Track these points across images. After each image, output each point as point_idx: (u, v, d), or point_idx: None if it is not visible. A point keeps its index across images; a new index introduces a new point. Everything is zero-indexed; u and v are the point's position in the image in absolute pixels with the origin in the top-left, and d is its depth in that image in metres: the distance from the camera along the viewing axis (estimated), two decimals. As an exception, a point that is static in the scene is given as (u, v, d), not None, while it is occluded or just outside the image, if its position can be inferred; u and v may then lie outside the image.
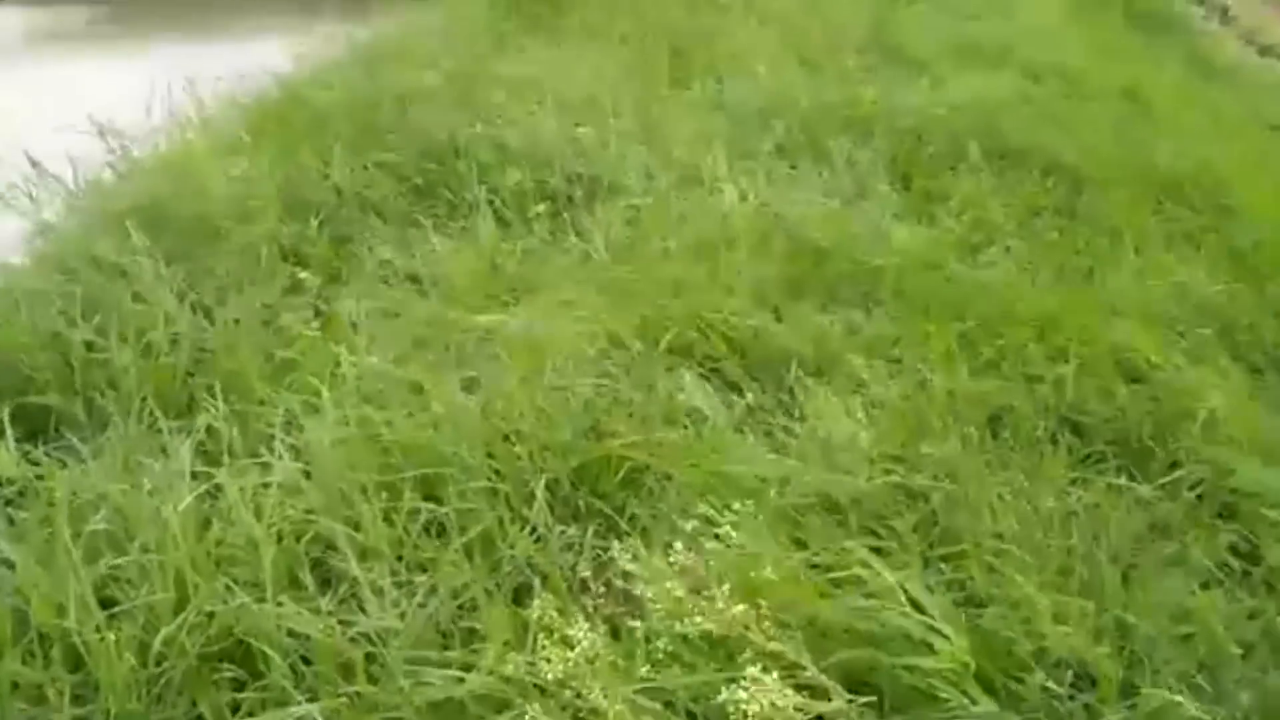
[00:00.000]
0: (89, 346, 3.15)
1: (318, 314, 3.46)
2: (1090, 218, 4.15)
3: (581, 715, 1.76)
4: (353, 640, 2.07)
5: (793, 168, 4.43)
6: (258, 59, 6.12)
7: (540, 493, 2.36)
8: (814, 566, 2.02)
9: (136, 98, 5.06)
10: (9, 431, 2.73)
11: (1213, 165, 4.80)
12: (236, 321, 3.33)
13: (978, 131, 4.70)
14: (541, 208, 4.20)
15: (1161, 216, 4.28)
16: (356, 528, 2.33)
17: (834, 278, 3.51)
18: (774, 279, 3.46)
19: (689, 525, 2.03)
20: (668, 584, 1.81)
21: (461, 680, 1.93)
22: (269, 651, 2.05)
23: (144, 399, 2.89)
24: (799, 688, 1.72)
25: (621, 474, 2.46)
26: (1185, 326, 3.30)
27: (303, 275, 3.60)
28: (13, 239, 4.08)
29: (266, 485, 2.47)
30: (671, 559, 1.85)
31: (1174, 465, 2.65)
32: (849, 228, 3.80)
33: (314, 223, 4.07)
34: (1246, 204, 4.46)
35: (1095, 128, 4.97)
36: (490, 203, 4.25)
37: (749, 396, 2.77)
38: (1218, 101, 7.01)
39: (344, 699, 1.96)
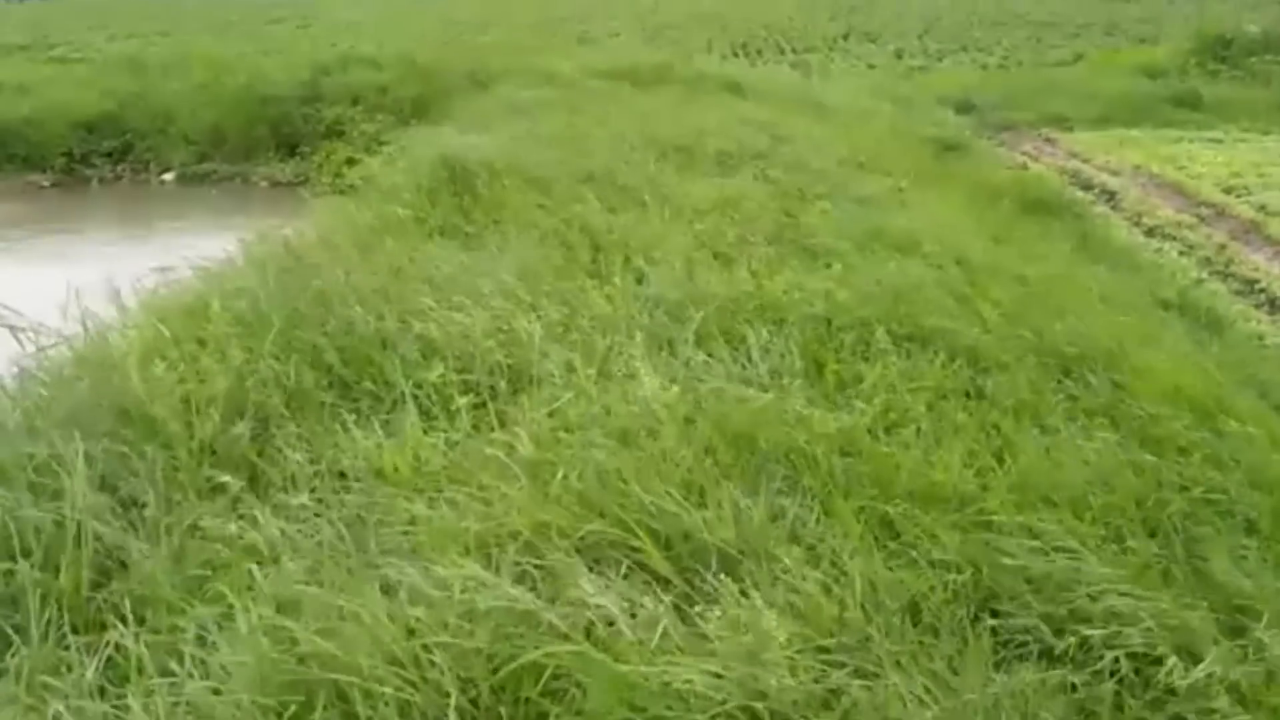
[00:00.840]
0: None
1: (237, 518, 3.40)
2: (995, 398, 4.33)
3: None
4: None
5: (710, 356, 4.56)
6: (186, 255, 6.22)
7: (457, 707, 2.30)
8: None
9: (57, 294, 5.07)
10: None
11: (1107, 343, 5.08)
12: (150, 529, 3.25)
13: (885, 318, 4.93)
14: (465, 400, 4.25)
15: (1063, 394, 4.49)
16: (268, 749, 2.23)
17: (755, 464, 3.58)
18: (697, 467, 3.51)
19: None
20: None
21: None
22: None
23: (50, 616, 2.77)
24: None
25: (543, 682, 2.42)
26: (1094, 503, 3.41)
27: (223, 478, 3.55)
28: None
29: (176, 704, 2.37)
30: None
31: (1094, 648, 2.70)
32: (768, 414, 3.90)
33: (236, 422, 4.05)
34: (1141, 379, 4.71)
35: (995, 311, 5.25)
36: (414, 397, 4.28)
37: (672, 594, 2.76)
38: (1108, 281, 7.48)
39: None
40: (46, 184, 16.15)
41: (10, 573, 3.01)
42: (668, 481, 3.40)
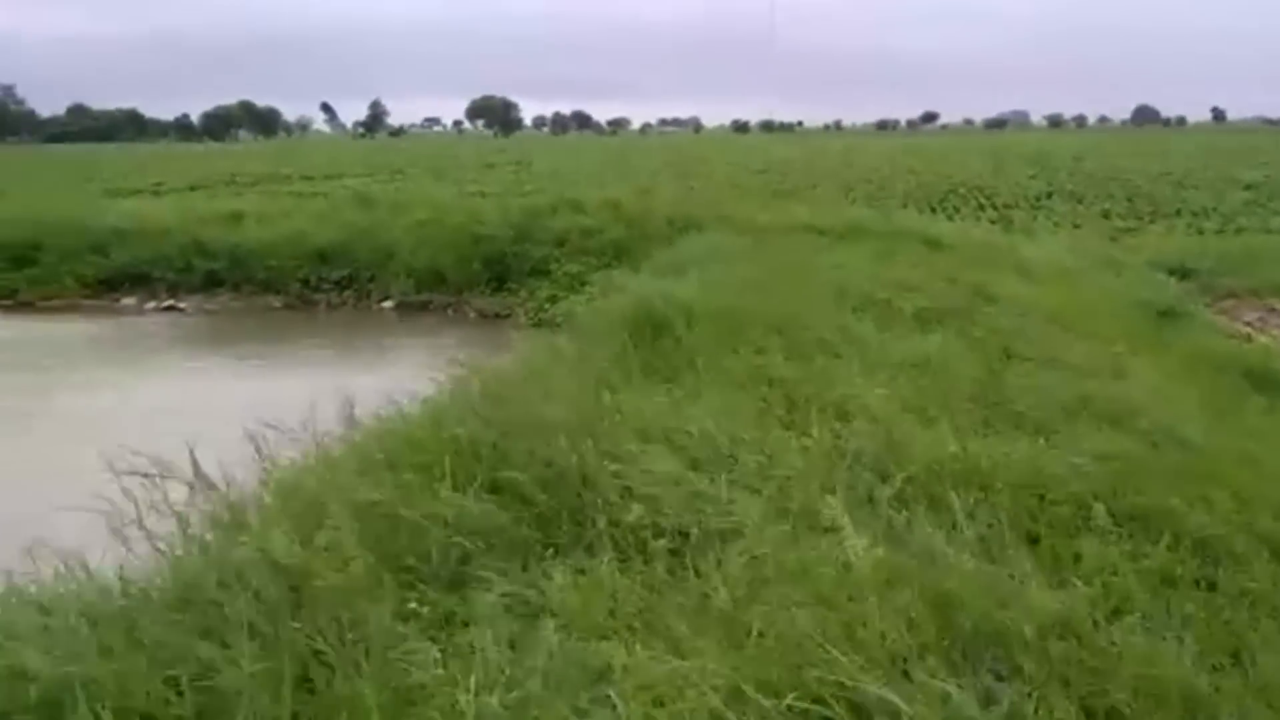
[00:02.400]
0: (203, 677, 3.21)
1: (436, 642, 3.50)
2: (1230, 591, 3.99)
3: None
4: None
5: (913, 519, 4.42)
6: (400, 379, 6.63)
7: None
8: None
9: (292, 410, 5.49)
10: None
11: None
12: (352, 648, 3.38)
13: (1102, 493, 4.66)
14: (661, 544, 4.27)
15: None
16: None
17: (964, 639, 3.40)
18: (900, 637, 3.37)
19: None
20: None
21: None
22: None
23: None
24: None
25: None
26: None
27: (423, 607, 3.67)
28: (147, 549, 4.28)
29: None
30: None
31: None
32: (976, 585, 3.72)
33: (437, 548, 4.20)
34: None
35: (1225, 494, 4.87)
36: (611, 537, 4.34)
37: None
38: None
39: None
40: (278, 305, 17.67)
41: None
42: (868, 650, 3.28)
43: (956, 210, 27.56)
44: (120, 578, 3.93)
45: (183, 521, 4.35)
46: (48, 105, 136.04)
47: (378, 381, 7.04)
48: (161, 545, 4.15)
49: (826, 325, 8.21)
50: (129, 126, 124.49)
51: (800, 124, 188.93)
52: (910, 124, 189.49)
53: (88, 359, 14.26)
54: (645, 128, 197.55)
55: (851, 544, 4.01)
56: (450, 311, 17.07)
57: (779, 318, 8.33)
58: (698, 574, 4.01)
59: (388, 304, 17.52)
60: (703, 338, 7.78)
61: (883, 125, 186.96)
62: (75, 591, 3.87)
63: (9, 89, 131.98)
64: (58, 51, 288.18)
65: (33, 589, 3.93)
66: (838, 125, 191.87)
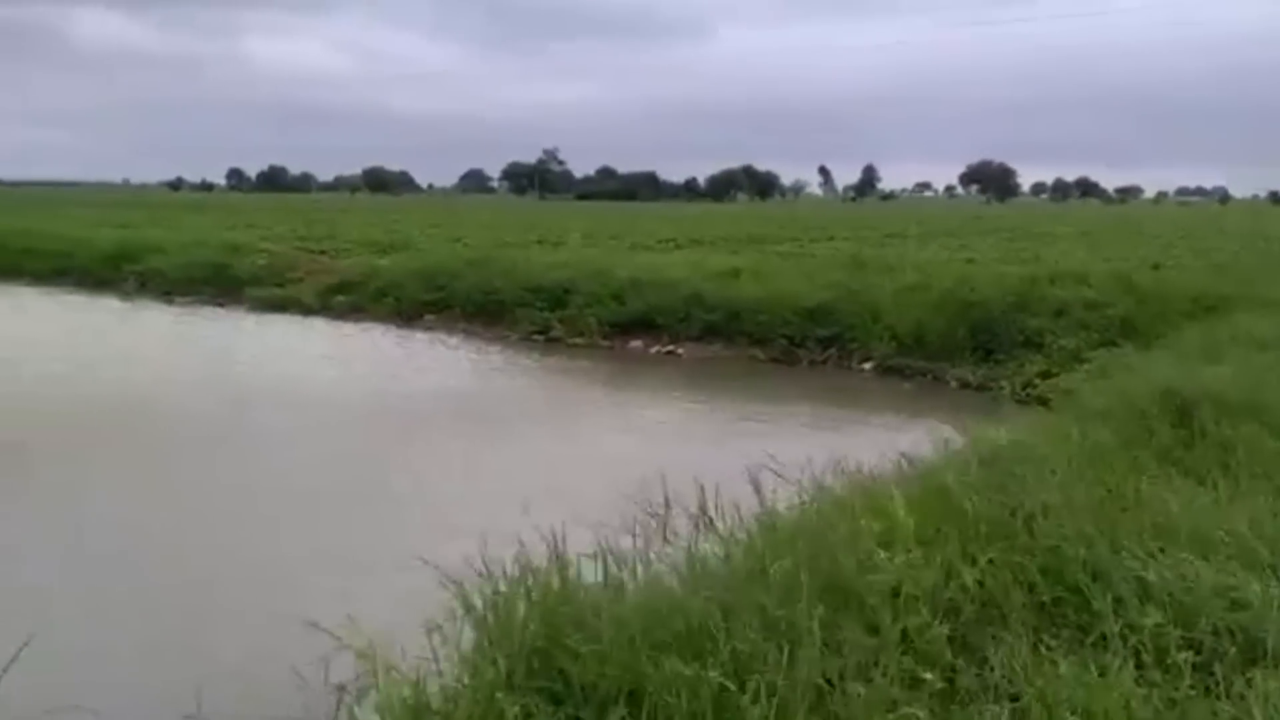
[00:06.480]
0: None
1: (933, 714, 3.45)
2: None
3: None
4: None
5: None
6: (899, 445, 6.66)
7: None
8: None
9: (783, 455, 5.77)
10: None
11: None
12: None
13: None
14: (1184, 657, 3.83)
15: None
16: None
17: None
18: None
19: None
20: None
21: None
22: None
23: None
24: None
25: None
26: None
27: (925, 675, 3.64)
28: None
29: None
30: None
31: None
32: None
33: (937, 619, 4.14)
34: None
35: None
36: (1124, 639, 3.98)
37: None
38: None
39: None
40: (763, 358, 18.53)
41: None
42: None
43: None
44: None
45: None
46: (581, 167, 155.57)
47: (857, 440, 7.15)
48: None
49: None
50: (647, 187, 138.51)
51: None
52: None
53: (622, 396, 16.28)
54: (1160, 197, 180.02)
55: None
56: (930, 378, 16.69)
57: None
58: (1229, 696, 3.55)
59: (867, 365, 17.63)
60: (1242, 433, 6.89)
61: None
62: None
63: (553, 152, 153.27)
64: (592, 116, 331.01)
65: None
66: None
